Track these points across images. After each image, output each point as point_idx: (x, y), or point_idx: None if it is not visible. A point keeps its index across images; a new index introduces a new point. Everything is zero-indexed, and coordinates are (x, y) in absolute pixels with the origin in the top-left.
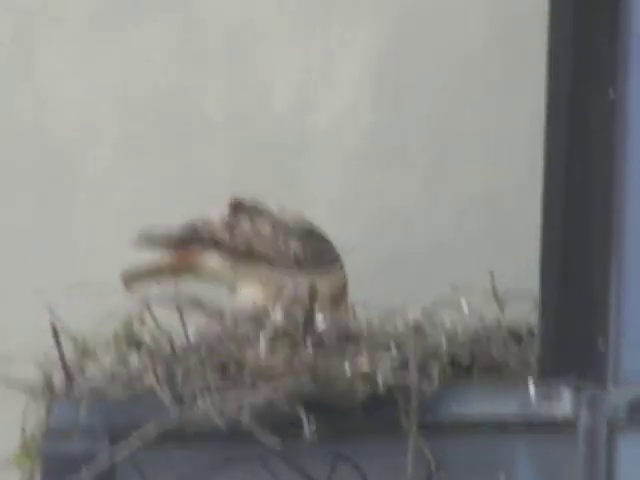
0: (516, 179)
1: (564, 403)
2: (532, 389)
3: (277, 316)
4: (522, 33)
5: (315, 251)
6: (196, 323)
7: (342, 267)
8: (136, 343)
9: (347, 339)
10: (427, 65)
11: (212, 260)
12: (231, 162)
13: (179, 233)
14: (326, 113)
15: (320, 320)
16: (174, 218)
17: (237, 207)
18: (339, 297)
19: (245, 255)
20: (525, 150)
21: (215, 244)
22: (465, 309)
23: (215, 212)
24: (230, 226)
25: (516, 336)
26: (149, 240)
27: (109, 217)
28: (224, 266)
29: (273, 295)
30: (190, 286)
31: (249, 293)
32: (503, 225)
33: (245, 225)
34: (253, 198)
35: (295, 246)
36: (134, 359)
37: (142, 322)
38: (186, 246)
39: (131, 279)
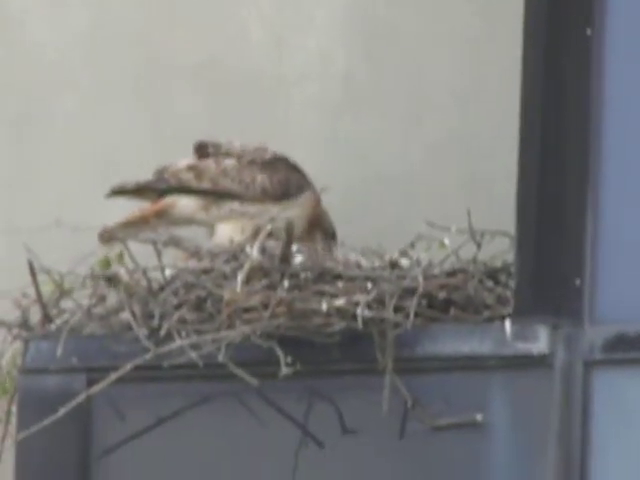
0: (492, 120)
1: (540, 341)
2: (508, 327)
3: (253, 253)
4: None
5: (282, 181)
6: (173, 260)
7: (313, 188)
8: (113, 280)
9: (323, 276)
10: (398, 7)
11: (184, 205)
12: (203, 105)
13: (148, 183)
14: (301, 57)
15: (297, 256)
16: (146, 160)
17: (202, 149)
18: (315, 217)
19: (214, 195)
20: (500, 91)
21: (184, 189)
22: (447, 243)
23: (183, 159)
24: (196, 169)
25: (493, 274)
26: (120, 192)
27: (81, 158)
28: (196, 209)
29: (249, 232)
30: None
31: (224, 231)
32: (479, 166)
33: (210, 166)
34: (217, 140)
35: (261, 178)
36: (111, 296)
37: (120, 260)
38: (157, 196)
39: (108, 236)
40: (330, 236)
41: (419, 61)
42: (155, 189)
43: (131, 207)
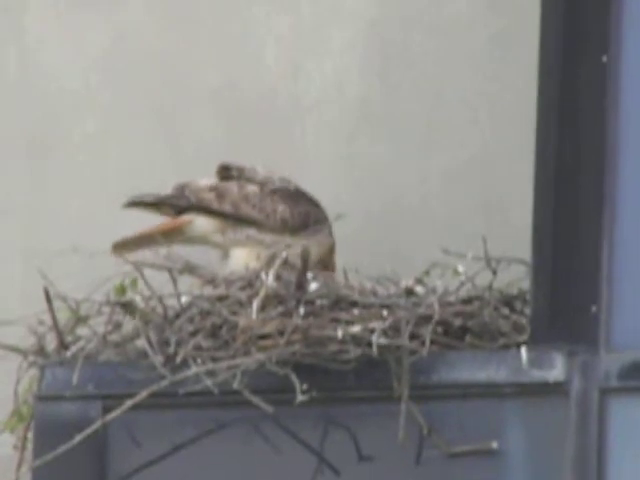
0: (507, 145)
1: (556, 368)
2: (524, 354)
3: (269, 280)
4: (517, 6)
5: (302, 214)
6: (189, 287)
7: (330, 230)
8: (129, 307)
9: (339, 303)
10: (415, 31)
11: (201, 225)
12: (221, 128)
13: (167, 198)
14: (317, 81)
15: (312, 284)
16: (165, 184)
17: (225, 172)
18: (326, 260)
19: (233, 219)
20: (516, 116)
21: (203, 209)
22: (461, 271)
23: (204, 178)
24: (218, 190)
25: (508, 301)
26: (138, 204)
27: (99, 182)
28: (213, 230)
29: (264, 259)
30: (183, 251)
31: (240, 257)
32: (495, 191)
33: (233, 189)
34: (241, 164)
35: (282, 209)
36: (127, 323)
37: (134, 286)
38: (174, 212)
39: (122, 248)
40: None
41: (435, 85)
42: (174, 205)
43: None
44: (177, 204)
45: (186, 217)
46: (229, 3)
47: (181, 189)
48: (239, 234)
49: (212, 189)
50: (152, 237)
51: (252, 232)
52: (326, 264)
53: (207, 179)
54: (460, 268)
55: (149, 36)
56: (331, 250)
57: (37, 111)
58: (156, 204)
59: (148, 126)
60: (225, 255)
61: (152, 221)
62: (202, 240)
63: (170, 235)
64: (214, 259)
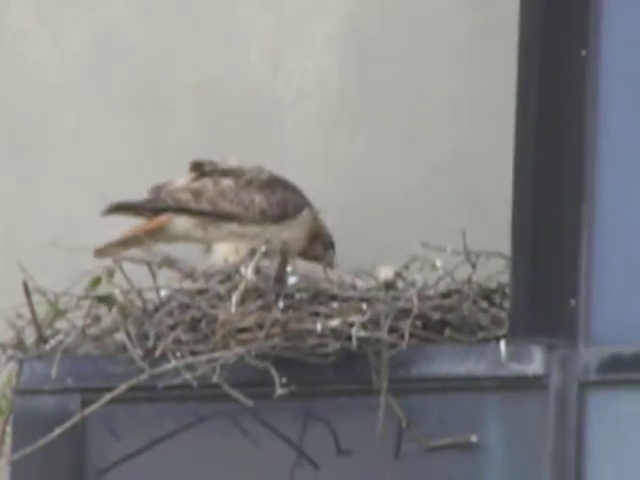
0: (488, 140)
1: (535, 362)
2: (503, 348)
3: (248, 273)
4: (497, 1)
5: (280, 202)
6: (168, 281)
7: (310, 208)
8: (107, 300)
9: (318, 296)
10: (395, 27)
11: (182, 223)
12: (203, 124)
13: (144, 202)
14: (298, 77)
15: (291, 277)
16: (146, 179)
17: (198, 168)
18: (312, 236)
19: (212, 215)
20: (496, 111)
21: (182, 210)
22: (439, 266)
23: (178, 177)
24: (193, 190)
25: (488, 295)
26: (116, 210)
27: (80, 178)
28: (193, 227)
29: (244, 252)
30: (163, 245)
31: (220, 251)
32: (475, 186)
33: (208, 186)
34: (213, 158)
35: (259, 200)
36: (105, 317)
37: (112, 279)
38: (153, 213)
39: (104, 253)
40: (328, 246)
41: (416, 81)
42: (152, 208)
43: (129, 226)
44: (154, 207)
45: (165, 217)
46: None
47: (157, 191)
48: (221, 230)
49: (187, 189)
50: (134, 239)
51: (233, 227)
52: (315, 235)
53: (182, 178)
54: (438, 262)
55: (131, 32)
56: (315, 221)
57: (18, 107)
58: (133, 208)
59: (130, 122)
60: (208, 250)
61: (132, 217)
62: (184, 237)
63: (152, 235)
64: (194, 253)
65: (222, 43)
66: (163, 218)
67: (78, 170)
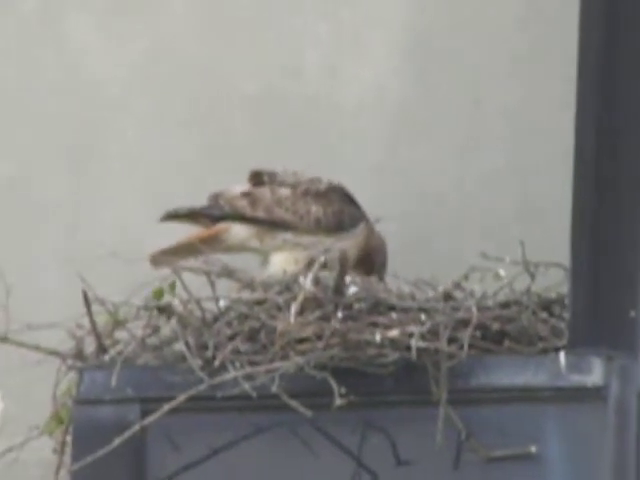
0: (547, 151)
1: (595, 373)
2: (563, 359)
3: (307, 283)
4: (552, 7)
5: (336, 212)
6: (227, 291)
7: (367, 222)
8: (167, 311)
9: (377, 307)
10: (454, 37)
11: (237, 232)
12: (260, 135)
13: (202, 209)
14: (356, 86)
15: (350, 287)
16: (203, 190)
17: (257, 177)
18: (366, 252)
19: (268, 224)
20: (557, 122)
21: (238, 216)
22: (502, 274)
23: (237, 185)
24: (250, 197)
25: (547, 306)
26: (173, 216)
27: (138, 189)
28: (250, 236)
29: (302, 262)
30: (221, 256)
31: (278, 261)
32: (534, 196)
33: (265, 194)
34: (272, 168)
35: (315, 209)
36: (165, 327)
37: (173, 290)
38: (211, 221)
39: (159, 260)
40: (380, 267)
41: (475, 91)
42: (209, 215)
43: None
44: (211, 214)
45: (222, 225)
46: (267, 9)
47: (215, 198)
48: (276, 239)
49: (245, 196)
50: (189, 247)
51: (288, 236)
52: (369, 252)
53: (240, 186)
54: (501, 272)
55: (188, 44)
56: (371, 236)
57: (76, 118)
58: (191, 215)
59: (187, 133)
60: (265, 261)
61: (189, 227)
62: (240, 247)
63: (207, 244)
64: (253, 263)
65: (279, 53)
66: (219, 227)
67: (136, 181)
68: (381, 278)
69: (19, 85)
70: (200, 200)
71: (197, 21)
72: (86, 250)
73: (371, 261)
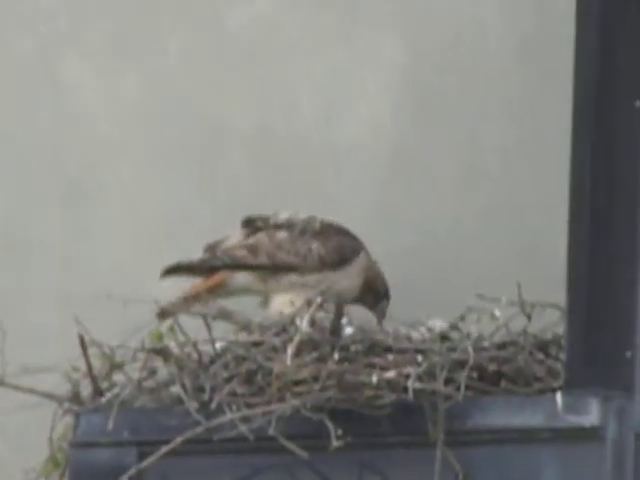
0: (541, 191)
1: (592, 414)
2: (559, 399)
3: (303, 325)
4: (547, 48)
5: (336, 246)
6: (223, 333)
7: (365, 252)
8: (163, 353)
9: (373, 348)
10: (449, 77)
11: (241, 278)
12: (255, 173)
13: (202, 261)
14: (351, 126)
15: (347, 329)
16: (199, 230)
17: (250, 224)
18: (368, 286)
19: (272, 268)
20: (550, 162)
21: (241, 266)
22: (498, 316)
23: (231, 234)
24: (249, 245)
25: (543, 346)
26: (173, 271)
27: (134, 229)
28: (254, 281)
29: (299, 304)
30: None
31: (277, 302)
32: (529, 236)
33: (264, 241)
34: (263, 213)
35: (316, 247)
36: (161, 370)
37: (172, 333)
38: (210, 271)
39: (167, 313)
40: (383, 296)
41: (470, 129)
42: (209, 266)
43: (183, 280)
44: (212, 266)
45: (225, 273)
46: (263, 50)
47: (212, 250)
48: (281, 281)
49: (243, 246)
50: (196, 297)
51: (293, 277)
52: (370, 282)
53: (235, 234)
54: (497, 312)
55: (182, 82)
56: (371, 265)
57: (71, 157)
58: (190, 269)
59: (182, 172)
60: (264, 301)
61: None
62: (245, 291)
63: (213, 291)
64: (249, 305)
65: (275, 94)
66: (223, 274)
67: (131, 221)
68: (384, 310)
69: (14, 123)
70: (196, 238)
71: (191, 61)
72: (81, 291)
73: (375, 288)
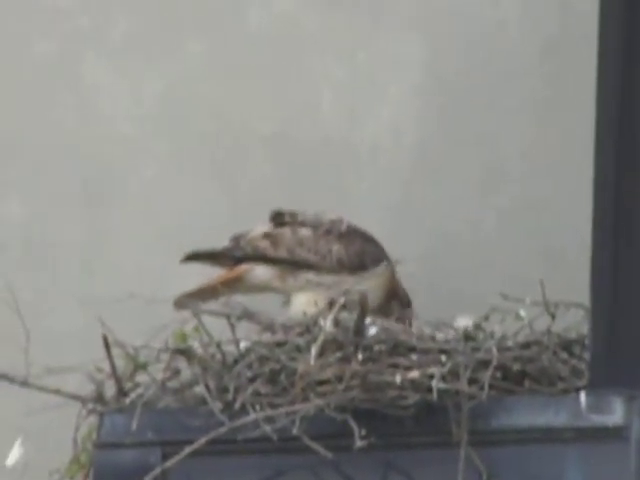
0: (566, 190)
1: (616, 413)
2: (583, 399)
3: (327, 325)
4: (570, 48)
5: (358, 252)
6: (247, 333)
7: (388, 262)
8: (187, 354)
9: (397, 348)
10: (471, 78)
11: (260, 272)
12: (277, 175)
13: (223, 250)
14: (373, 127)
15: (371, 329)
16: (221, 230)
17: (278, 218)
18: (390, 292)
19: (290, 264)
20: (574, 160)
21: (260, 257)
22: (523, 315)
23: (259, 226)
24: (272, 237)
25: (567, 346)
26: (194, 258)
27: (156, 229)
28: (272, 277)
29: (322, 304)
30: (241, 297)
31: (300, 303)
32: (553, 235)
33: (286, 234)
34: (293, 209)
35: (337, 249)
36: (185, 370)
37: (196, 333)
38: (232, 262)
39: (184, 303)
40: (406, 305)
41: (492, 130)
42: (230, 256)
43: (206, 277)
44: (233, 255)
45: (244, 266)
46: (284, 50)
47: (237, 240)
48: (298, 279)
49: (266, 236)
50: (213, 289)
51: (311, 276)
52: (393, 292)
53: (261, 227)
54: (522, 312)
55: (203, 84)
56: (393, 277)
57: (93, 158)
58: (212, 256)
59: (203, 173)
60: (286, 302)
61: (208, 268)
62: (262, 288)
63: (230, 285)
64: (273, 305)
65: (296, 94)
66: (241, 268)
67: (153, 221)
68: (410, 319)
69: (36, 124)
70: (218, 238)
71: (212, 61)
72: (104, 292)
73: (396, 300)
